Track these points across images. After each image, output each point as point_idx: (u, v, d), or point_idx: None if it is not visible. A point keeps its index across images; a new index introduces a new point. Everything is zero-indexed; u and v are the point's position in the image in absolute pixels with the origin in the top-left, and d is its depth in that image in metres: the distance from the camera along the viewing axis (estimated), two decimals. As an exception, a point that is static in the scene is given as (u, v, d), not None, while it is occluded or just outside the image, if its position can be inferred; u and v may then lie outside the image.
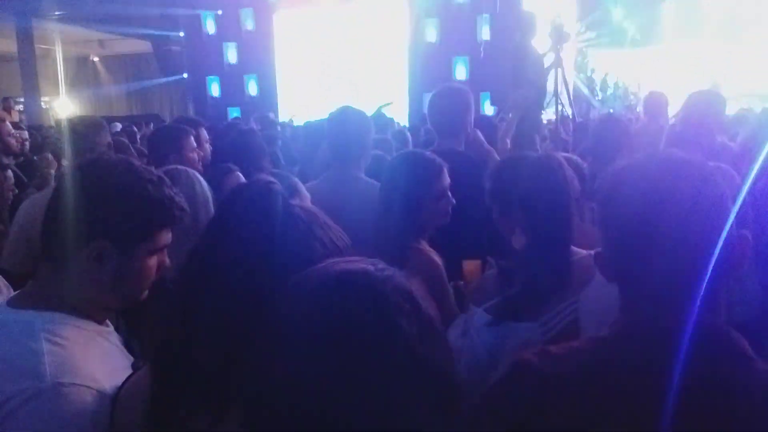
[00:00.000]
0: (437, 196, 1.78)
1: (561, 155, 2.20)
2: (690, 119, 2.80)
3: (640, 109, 7.38)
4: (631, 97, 13.10)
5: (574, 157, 2.20)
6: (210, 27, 12.12)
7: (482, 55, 9.79)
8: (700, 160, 0.84)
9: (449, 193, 1.82)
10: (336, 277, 0.65)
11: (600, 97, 13.74)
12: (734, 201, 0.82)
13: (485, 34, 10.32)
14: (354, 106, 2.43)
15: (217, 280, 0.80)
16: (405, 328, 0.62)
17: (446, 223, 1.85)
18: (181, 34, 12.68)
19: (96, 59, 17.87)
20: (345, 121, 2.32)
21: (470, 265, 1.74)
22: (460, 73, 10.53)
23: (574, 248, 1.48)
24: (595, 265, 1.35)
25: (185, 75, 13.13)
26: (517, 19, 4.81)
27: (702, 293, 0.78)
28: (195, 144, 2.52)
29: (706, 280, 0.78)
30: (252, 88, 12.21)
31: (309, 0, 11.68)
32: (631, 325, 0.83)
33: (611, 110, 10.92)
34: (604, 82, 13.85)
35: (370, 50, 11.89)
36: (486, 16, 10.21)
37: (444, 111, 2.44)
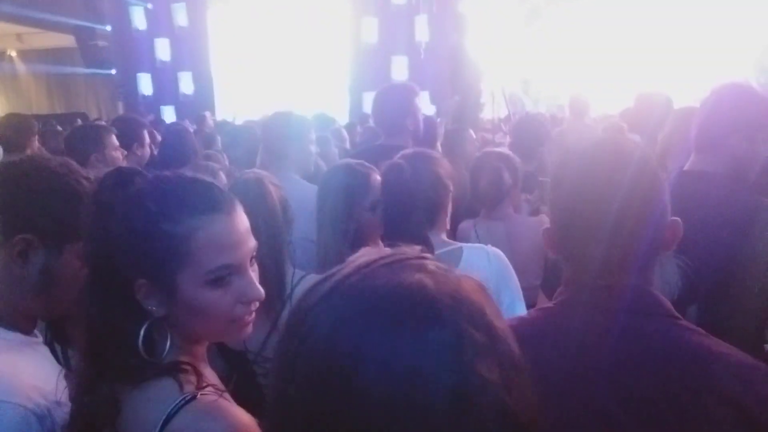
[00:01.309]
0: (370, 207, 1.76)
1: (496, 150, 2.27)
2: (637, 118, 3.04)
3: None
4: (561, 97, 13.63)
5: (507, 152, 2.28)
6: (139, 22, 11.56)
7: (422, 55, 9.87)
8: (642, 147, 0.93)
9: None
10: (383, 294, 0.49)
11: (533, 98, 14.22)
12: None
13: (423, 34, 10.43)
14: (289, 111, 2.44)
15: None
16: (485, 376, 0.46)
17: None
18: (108, 28, 12.02)
19: (13, 54, 16.69)
20: (280, 126, 2.32)
21: None
22: (400, 72, 10.59)
23: (445, 240, 1.52)
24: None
25: (113, 71, 12.47)
26: (454, 20, 4.88)
27: (637, 265, 0.87)
28: (117, 143, 2.39)
29: (641, 255, 0.88)
30: (186, 86, 11.76)
31: (245, -4, 11.41)
32: (575, 293, 0.91)
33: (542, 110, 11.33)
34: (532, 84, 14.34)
35: (310, 48, 11.76)
36: (424, 16, 10.31)
37: (386, 109, 2.49)
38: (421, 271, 0.50)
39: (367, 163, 1.85)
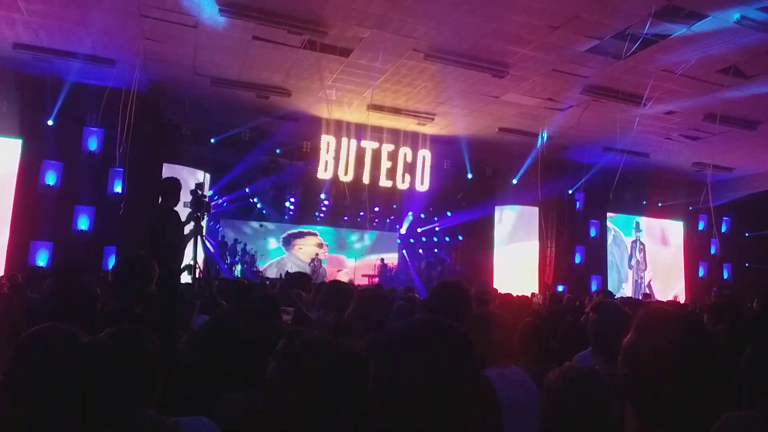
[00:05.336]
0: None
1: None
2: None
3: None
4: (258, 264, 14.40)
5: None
6: None
7: (122, 210, 9.14)
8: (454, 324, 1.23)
9: None
10: None
11: (228, 261, 14.55)
12: None
13: (118, 186, 9.86)
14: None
15: None
16: None
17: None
18: None
19: None
20: None
21: None
22: (83, 222, 9.55)
23: (155, 415, 1.60)
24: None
25: None
26: (160, 183, 4.86)
27: None
28: None
29: None
30: None
31: None
32: None
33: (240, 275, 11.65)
34: (233, 248, 14.86)
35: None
36: (120, 170, 9.83)
37: (134, 277, 2.63)
38: None
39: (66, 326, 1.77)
